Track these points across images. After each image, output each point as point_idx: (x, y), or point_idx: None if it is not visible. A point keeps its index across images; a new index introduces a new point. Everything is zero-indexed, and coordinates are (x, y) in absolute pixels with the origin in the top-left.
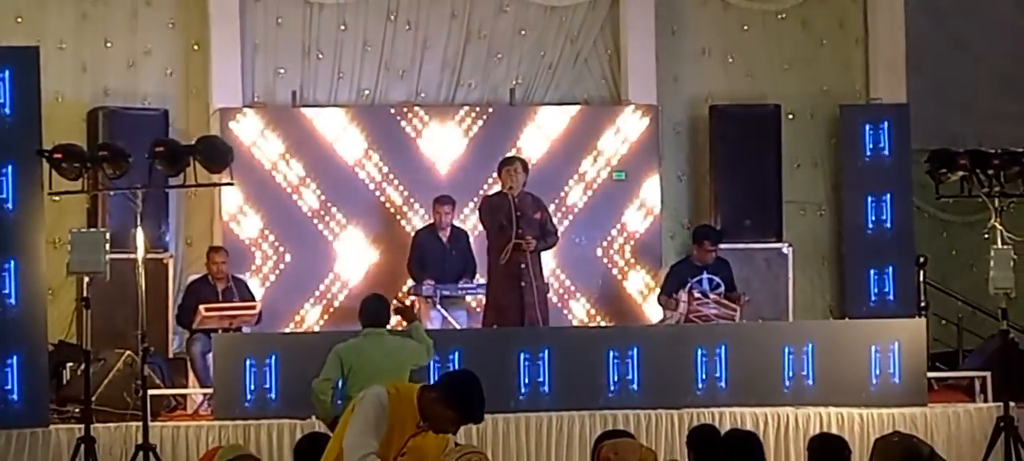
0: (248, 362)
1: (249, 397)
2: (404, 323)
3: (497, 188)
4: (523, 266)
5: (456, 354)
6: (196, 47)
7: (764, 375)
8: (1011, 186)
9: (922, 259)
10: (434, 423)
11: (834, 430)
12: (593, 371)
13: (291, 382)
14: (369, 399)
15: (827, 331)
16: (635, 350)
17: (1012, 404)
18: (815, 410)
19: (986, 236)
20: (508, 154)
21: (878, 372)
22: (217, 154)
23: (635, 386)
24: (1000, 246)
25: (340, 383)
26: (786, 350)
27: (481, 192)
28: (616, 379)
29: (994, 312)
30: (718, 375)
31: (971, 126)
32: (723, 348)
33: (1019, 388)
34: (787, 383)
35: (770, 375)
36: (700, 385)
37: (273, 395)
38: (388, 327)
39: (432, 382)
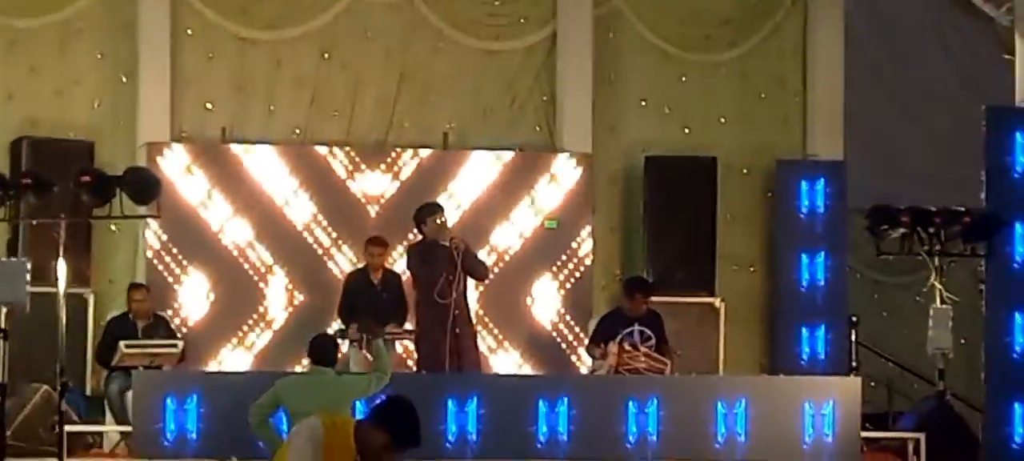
0: (168, 401)
1: (169, 437)
2: (365, 339)
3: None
4: (457, 312)
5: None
6: (125, 79)
7: (696, 430)
8: (951, 245)
9: (855, 318)
10: (370, 453)
11: None
12: (522, 420)
13: (213, 423)
14: (304, 431)
15: (760, 387)
16: (566, 400)
17: None
18: None
19: (918, 298)
20: (433, 200)
21: (812, 430)
22: (145, 186)
23: (565, 437)
24: (939, 305)
25: (283, 418)
26: (719, 405)
27: (411, 236)
28: (546, 429)
29: (925, 374)
30: (649, 428)
31: (906, 188)
32: (655, 401)
33: (953, 451)
34: (719, 439)
35: (702, 430)
36: (631, 438)
37: (194, 436)
38: (334, 367)
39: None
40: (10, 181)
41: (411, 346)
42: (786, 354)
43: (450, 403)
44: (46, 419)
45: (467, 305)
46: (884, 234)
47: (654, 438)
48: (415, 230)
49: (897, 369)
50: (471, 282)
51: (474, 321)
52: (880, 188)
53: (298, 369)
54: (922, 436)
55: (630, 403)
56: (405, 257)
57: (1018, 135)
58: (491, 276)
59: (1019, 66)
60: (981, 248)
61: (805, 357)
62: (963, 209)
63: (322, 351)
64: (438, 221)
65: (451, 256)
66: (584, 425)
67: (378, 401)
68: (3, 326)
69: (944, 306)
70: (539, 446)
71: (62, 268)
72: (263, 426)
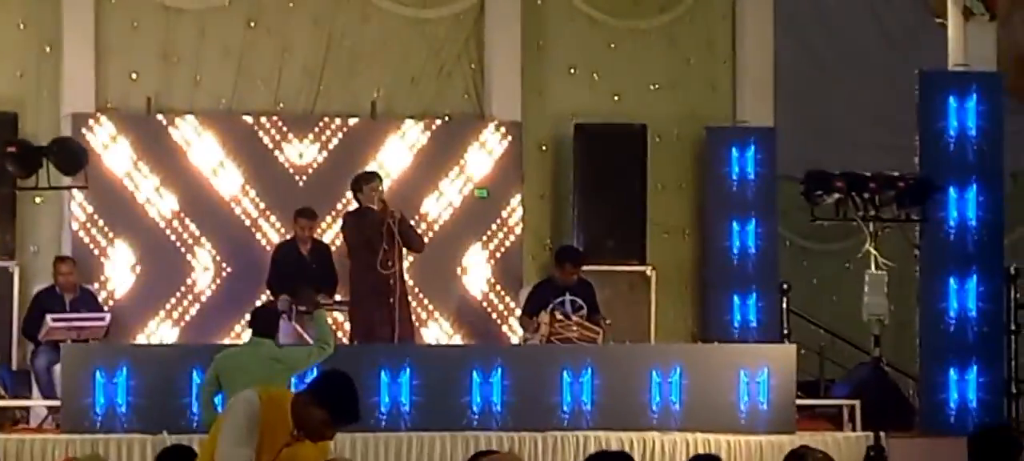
0: (97, 374)
1: (98, 411)
2: (295, 311)
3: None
4: (391, 282)
5: (313, 371)
6: (48, 49)
7: (630, 399)
8: (885, 211)
9: (786, 286)
10: (308, 429)
11: None
12: (456, 391)
13: (143, 396)
14: (239, 405)
15: (695, 355)
16: (499, 370)
17: (882, 434)
18: (682, 435)
19: (848, 265)
20: (366, 169)
21: (746, 398)
22: (71, 156)
23: (499, 407)
24: (874, 271)
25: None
26: (653, 373)
27: (339, 205)
28: (480, 400)
29: (856, 341)
30: (584, 398)
31: (835, 154)
32: (589, 370)
33: (888, 417)
34: (654, 408)
35: (637, 399)
36: (565, 408)
37: (123, 409)
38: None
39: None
40: None
41: (340, 317)
42: (717, 322)
43: (383, 374)
44: None
45: (402, 276)
46: (819, 199)
47: (588, 407)
48: (345, 199)
49: (828, 337)
50: (407, 254)
51: (408, 292)
52: (809, 155)
53: (227, 342)
54: (857, 403)
55: (564, 372)
56: (340, 225)
57: (951, 99)
58: (423, 245)
59: (951, 30)
60: (916, 213)
61: (736, 325)
62: (897, 174)
63: (265, 322)
64: (374, 189)
65: (388, 226)
66: (518, 395)
67: (315, 375)
68: None
69: (879, 272)
70: (473, 417)
71: None
72: (208, 407)
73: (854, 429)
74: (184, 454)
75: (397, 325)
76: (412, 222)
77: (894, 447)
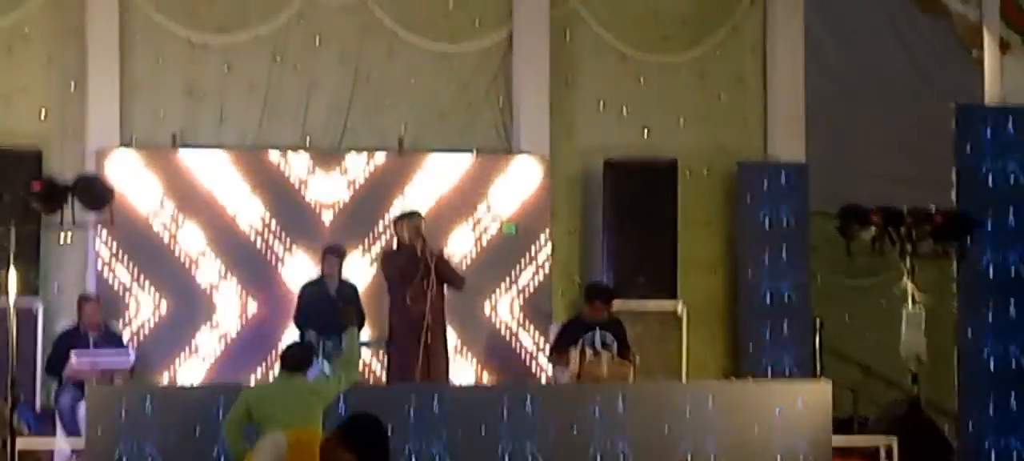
0: (123, 414)
1: (124, 452)
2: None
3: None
4: (428, 320)
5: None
6: (73, 86)
7: (665, 437)
8: (922, 246)
9: (819, 322)
10: None
11: None
12: (487, 431)
13: (169, 437)
14: (268, 447)
15: (729, 392)
16: (531, 409)
17: None
18: None
19: (883, 302)
20: (407, 208)
21: (782, 436)
22: (96, 194)
23: (532, 447)
24: (911, 308)
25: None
26: (687, 411)
27: (367, 242)
28: (512, 442)
29: (892, 378)
30: (618, 437)
31: (866, 189)
32: (622, 408)
33: (926, 456)
34: (689, 446)
35: (671, 437)
36: (599, 447)
37: (150, 450)
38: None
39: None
40: None
41: (366, 356)
42: (750, 359)
43: (412, 414)
44: None
45: (442, 314)
46: (854, 235)
47: (623, 447)
48: (372, 235)
49: (861, 374)
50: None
51: (446, 331)
52: (840, 190)
53: (253, 380)
54: (894, 440)
55: (596, 411)
56: (379, 261)
57: (988, 133)
58: (462, 283)
59: (988, 64)
60: (953, 248)
61: (769, 362)
62: (934, 209)
63: (298, 359)
64: (415, 227)
65: (426, 263)
66: (551, 434)
67: (345, 418)
68: None
69: (916, 308)
70: (505, 455)
71: (12, 278)
72: (238, 441)
73: None
74: None
75: (429, 363)
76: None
77: None
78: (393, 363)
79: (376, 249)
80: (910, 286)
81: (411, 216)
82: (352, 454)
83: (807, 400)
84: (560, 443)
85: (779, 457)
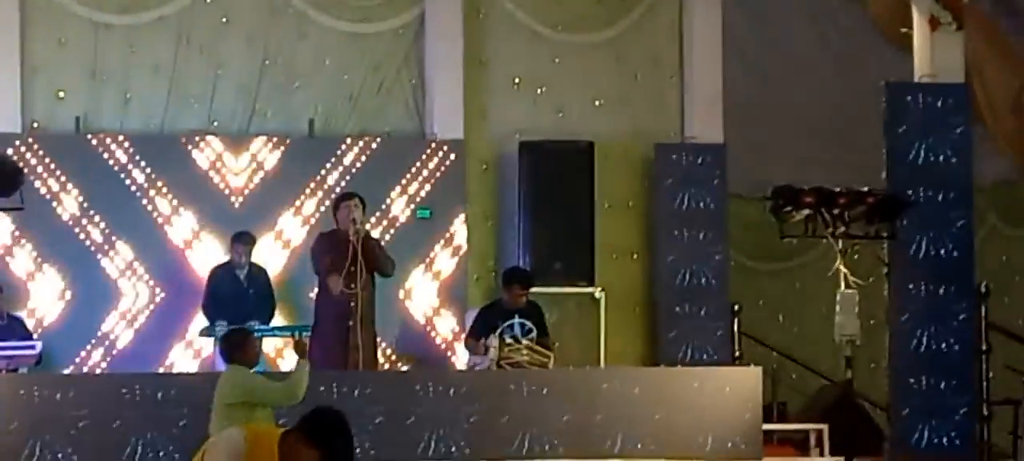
0: (33, 407)
1: (34, 446)
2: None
3: (308, 228)
4: (352, 305)
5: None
6: None
7: (590, 425)
8: (855, 227)
9: (737, 307)
10: None
11: None
12: (411, 419)
13: (82, 429)
14: (222, 445)
15: (655, 378)
16: (452, 398)
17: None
18: None
19: (798, 285)
20: (346, 190)
21: (711, 423)
22: (6, 176)
23: (457, 435)
24: (845, 290)
25: None
26: (614, 399)
27: (278, 227)
28: (434, 429)
29: (809, 363)
30: (543, 424)
31: (781, 171)
32: (547, 395)
33: (857, 442)
34: (616, 433)
35: (597, 425)
36: (525, 435)
37: (62, 443)
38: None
39: (293, 426)
40: None
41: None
42: (668, 344)
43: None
44: None
45: (369, 300)
46: (787, 216)
47: (548, 435)
48: (283, 221)
49: (778, 359)
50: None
51: (374, 320)
52: (755, 173)
53: (161, 370)
54: (825, 427)
55: (520, 398)
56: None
57: (919, 111)
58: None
59: (917, 40)
60: (885, 230)
61: (687, 347)
62: (867, 189)
63: (236, 347)
64: (347, 210)
65: (353, 247)
66: (475, 423)
67: (308, 412)
68: None
69: (850, 291)
70: (431, 445)
71: None
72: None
73: (821, 454)
74: None
75: (350, 351)
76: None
77: None
78: (315, 350)
79: (286, 235)
80: (843, 268)
81: (346, 198)
82: (316, 450)
83: (735, 386)
84: (484, 431)
85: (709, 444)
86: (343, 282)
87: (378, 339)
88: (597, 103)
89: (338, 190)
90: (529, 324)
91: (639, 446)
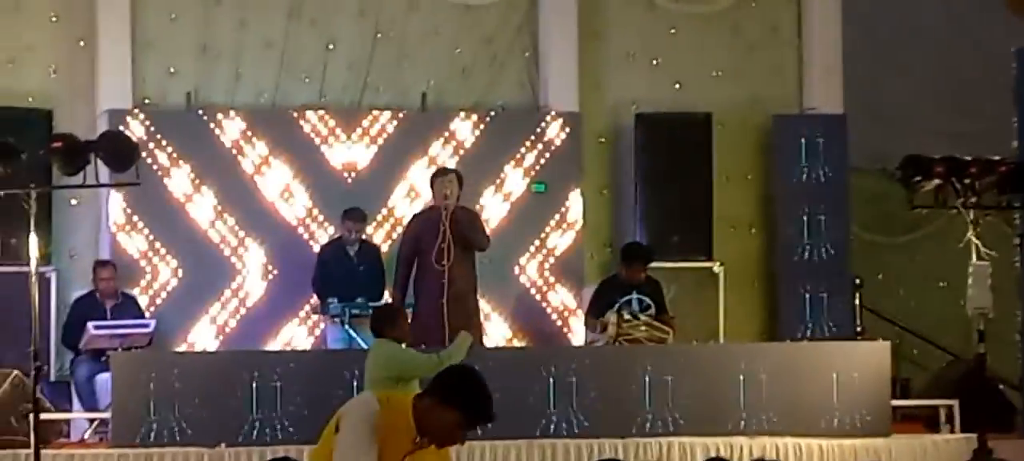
0: (150, 384)
1: (151, 423)
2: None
3: (420, 203)
4: (445, 283)
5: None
6: (82, 43)
7: (716, 402)
8: (986, 197)
9: (858, 281)
10: (435, 433)
11: None
12: (528, 397)
13: (198, 406)
14: (357, 410)
15: (781, 354)
16: (572, 373)
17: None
18: (771, 440)
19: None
20: (442, 165)
21: (838, 399)
22: (122, 151)
23: (577, 413)
24: (977, 262)
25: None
26: (739, 375)
27: (391, 203)
28: (555, 406)
29: (932, 338)
30: (667, 402)
31: (899, 142)
32: (671, 372)
33: (992, 418)
34: (741, 411)
35: (722, 402)
36: (648, 412)
37: (178, 420)
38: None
39: (425, 389)
40: None
41: None
42: (788, 319)
43: None
44: (17, 407)
45: (465, 277)
46: (917, 186)
47: (672, 411)
48: (396, 197)
49: (899, 334)
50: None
51: (475, 294)
52: (874, 144)
53: (274, 347)
54: (956, 403)
55: (643, 376)
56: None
57: None
58: (486, 243)
59: None
60: (1017, 200)
61: (807, 322)
62: (998, 159)
63: (386, 323)
64: (440, 181)
65: (443, 223)
66: (596, 400)
67: (441, 373)
68: None
69: (982, 262)
70: (550, 423)
71: (34, 243)
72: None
73: (952, 431)
74: None
75: (450, 326)
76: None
77: (996, 450)
78: (414, 327)
79: (399, 211)
80: (975, 239)
81: (440, 173)
82: (454, 411)
83: (863, 362)
84: (606, 408)
85: (836, 420)
86: (435, 260)
87: (483, 314)
88: (714, 74)
89: (450, 165)
90: (648, 300)
91: (765, 423)
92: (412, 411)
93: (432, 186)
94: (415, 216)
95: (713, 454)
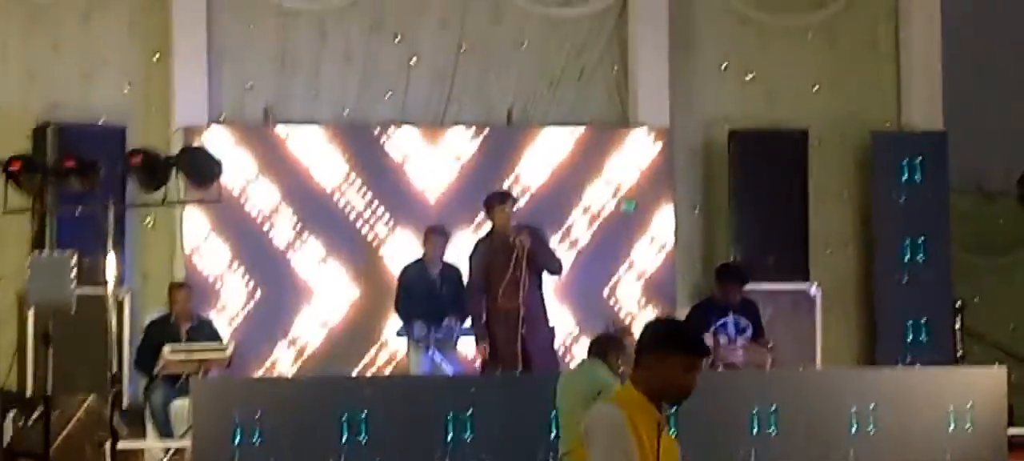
0: (234, 411)
1: (234, 451)
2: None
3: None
4: (523, 312)
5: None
6: (156, 57)
7: (824, 430)
8: None
9: (959, 303)
10: (674, 390)
11: None
12: None
13: (283, 433)
14: (605, 426)
15: (891, 380)
16: None
17: None
18: None
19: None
20: (498, 189)
21: (953, 428)
22: (204, 168)
23: (677, 443)
24: None
25: None
26: (848, 402)
27: (477, 221)
28: None
29: None
30: (770, 430)
31: (994, 161)
32: (775, 398)
33: None
34: (852, 438)
35: (830, 429)
36: (751, 442)
37: (263, 448)
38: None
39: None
40: (49, 166)
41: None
42: (888, 343)
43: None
44: (92, 434)
45: (539, 302)
46: None
47: (776, 437)
48: (481, 215)
49: (1002, 358)
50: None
51: (547, 318)
52: (974, 163)
53: (354, 371)
54: None
55: (746, 400)
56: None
57: None
58: (559, 267)
59: None
60: None
61: (907, 346)
62: None
63: (611, 347)
64: (503, 212)
65: (517, 252)
66: (697, 426)
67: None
68: (46, 330)
69: None
70: None
71: (111, 263)
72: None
73: None
74: None
75: (527, 357)
76: (551, 237)
77: None
78: (490, 357)
79: (484, 229)
80: None
81: (502, 199)
82: (677, 355)
83: (979, 389)
84: (707, 435)
85: (948, 451)
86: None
87: (570, 335)
88: (813, 89)
89: (538, 182)
90: (744, 322)
91: (875, 453)
92: (638, 387)
93: (490, 211)
94: (480, 242)
95: None
